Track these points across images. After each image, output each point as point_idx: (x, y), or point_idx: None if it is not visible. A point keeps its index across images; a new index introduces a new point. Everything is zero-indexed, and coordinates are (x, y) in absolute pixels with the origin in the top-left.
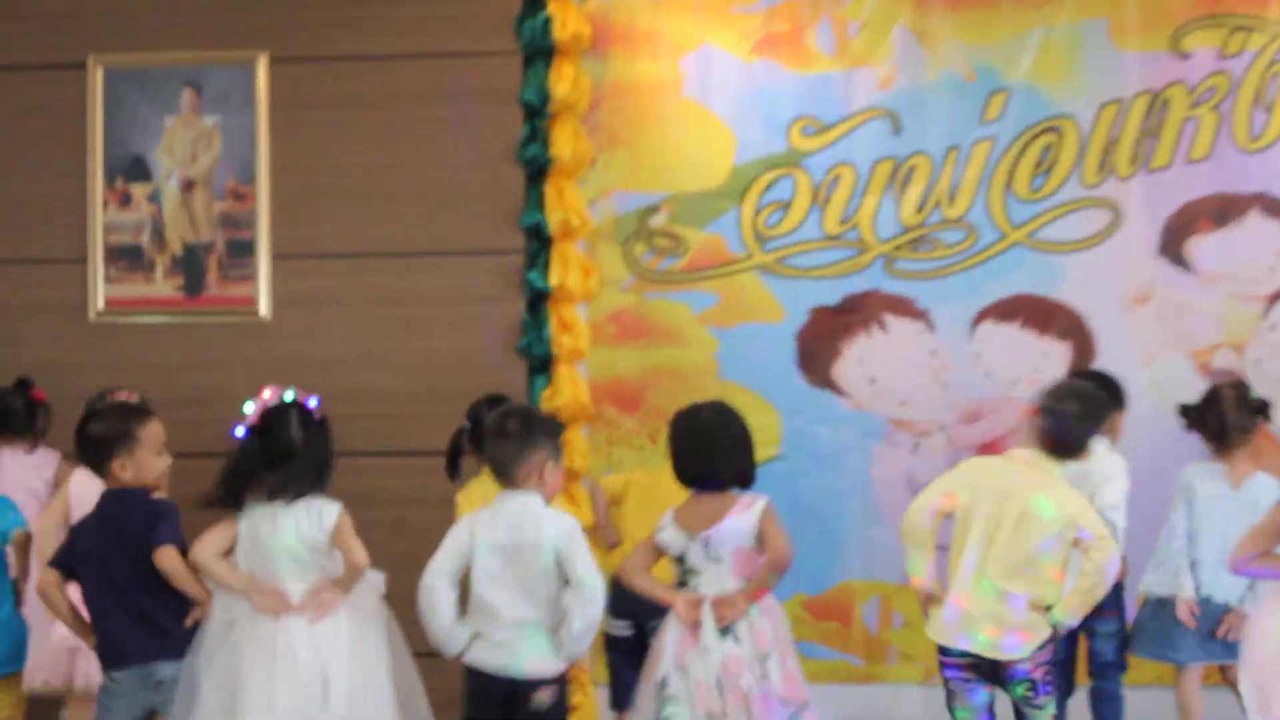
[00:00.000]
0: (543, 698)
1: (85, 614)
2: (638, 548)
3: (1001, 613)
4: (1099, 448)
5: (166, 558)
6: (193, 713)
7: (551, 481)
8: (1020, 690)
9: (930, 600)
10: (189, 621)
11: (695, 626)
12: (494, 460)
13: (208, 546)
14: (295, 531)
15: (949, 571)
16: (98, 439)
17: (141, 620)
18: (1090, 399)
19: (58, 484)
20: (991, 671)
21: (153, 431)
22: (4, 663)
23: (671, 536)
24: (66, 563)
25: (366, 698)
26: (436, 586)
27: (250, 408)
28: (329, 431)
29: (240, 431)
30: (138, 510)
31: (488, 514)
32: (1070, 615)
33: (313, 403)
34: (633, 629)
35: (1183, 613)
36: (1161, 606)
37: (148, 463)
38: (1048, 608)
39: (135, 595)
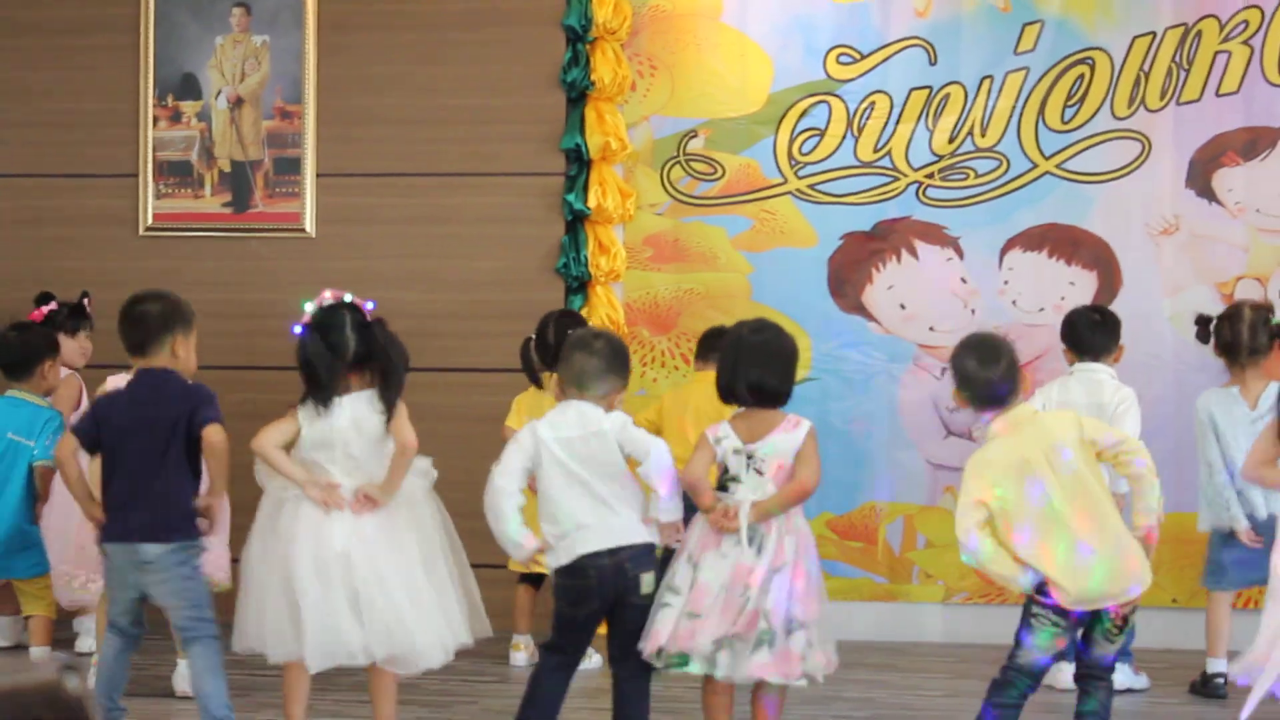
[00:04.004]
0: (650, 580)
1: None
2: (699, 450)
3: (1116, 563)
4: (1108, 380)
5: (215, 433)
6: (249, 595)
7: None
8: (1107, 624)
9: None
10: (200, 505)
11: (723, 534)
12: (574, 370)
13: (270, 438)
14: (353, 422)
15: (1040, 558)
16: (156, 317)
17: (144, 498)
18: (981, 347)
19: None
20: (1087, 615)
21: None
22: (28, 568)
23: (725, 444)
24: (89, 432)
25: (409, 598)
26: (503, 487)
27: (309, 308)
28: (387, 332)
29: (298, 330)
30: (176, 393)
31: (549, 416)
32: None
33: (369, 305)
34: None
35: (1245, 541)
36: (1228, 538)
37: (193, 349)
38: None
39: (148, 475)
